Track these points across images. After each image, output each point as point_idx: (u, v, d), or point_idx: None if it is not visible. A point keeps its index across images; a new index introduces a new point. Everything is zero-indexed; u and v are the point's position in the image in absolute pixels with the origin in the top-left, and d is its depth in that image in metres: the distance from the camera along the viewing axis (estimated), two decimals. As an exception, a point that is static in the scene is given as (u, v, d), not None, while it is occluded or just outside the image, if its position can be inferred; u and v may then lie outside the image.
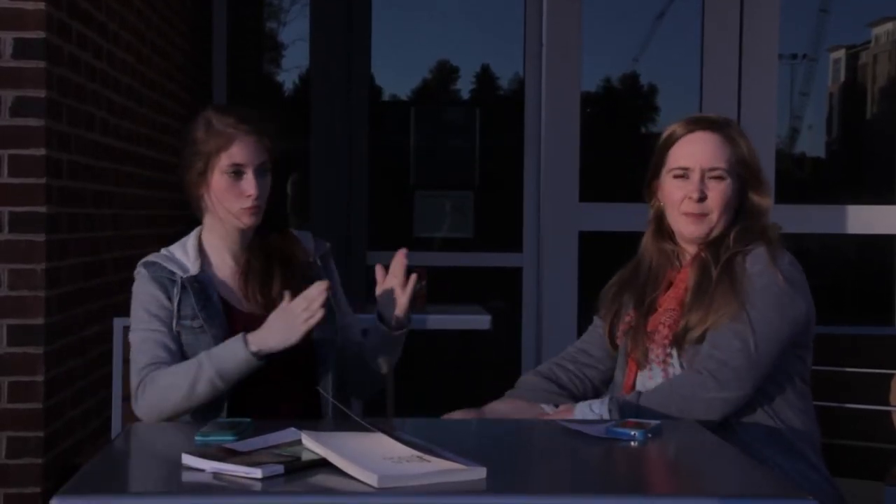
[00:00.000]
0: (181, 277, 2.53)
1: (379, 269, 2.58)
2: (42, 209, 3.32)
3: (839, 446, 2.79)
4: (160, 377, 2.45)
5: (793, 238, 2.62)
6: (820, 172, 6.31)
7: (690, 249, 2.61)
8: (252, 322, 2.50)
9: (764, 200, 2.59)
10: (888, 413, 2.87)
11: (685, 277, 2.56)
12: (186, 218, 4.88)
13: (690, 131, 2.60)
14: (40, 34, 3.29)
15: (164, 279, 2.54)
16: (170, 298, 2.52)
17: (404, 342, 2.65)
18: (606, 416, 2.40)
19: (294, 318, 2.39)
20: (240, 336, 2.42)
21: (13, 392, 3.32)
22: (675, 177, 2.58)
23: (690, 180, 2.55)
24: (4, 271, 3.31)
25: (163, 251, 2.61)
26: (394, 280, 2.55)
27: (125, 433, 2.30)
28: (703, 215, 2.54)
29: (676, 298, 2.54)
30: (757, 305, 2.43)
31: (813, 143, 6.41)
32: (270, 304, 2.53)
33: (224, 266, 2.62)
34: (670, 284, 2.60)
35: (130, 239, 4.29)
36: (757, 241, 2.52)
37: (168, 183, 4.91)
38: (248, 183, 2.53)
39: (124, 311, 2.63)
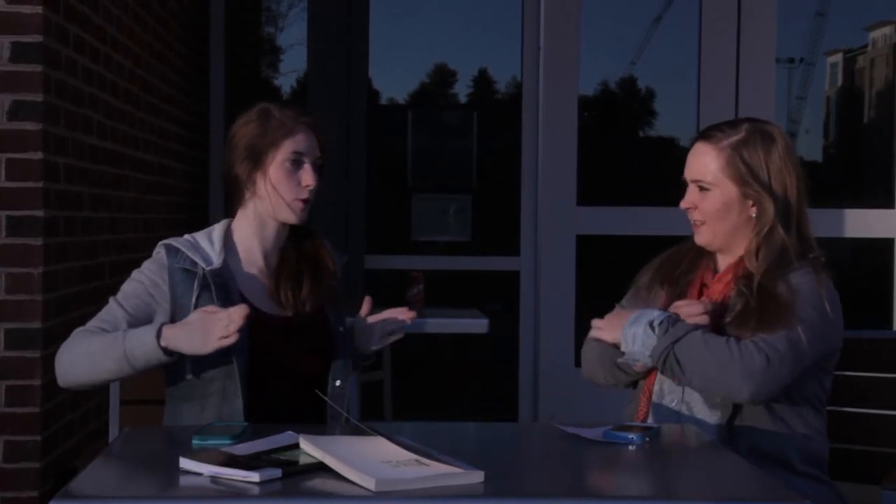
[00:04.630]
0: (203, 270, 2.50)
1: (367, 304, 2.62)
2: (39, 213, 3.31)
3: (836, 449, 2.79)
4: (81, 338, 2.43)
5: (816, 249, 2.62)
6: (817, 176, 6.32)
7: (722, 260, 2.62)
8: (270, 322, 2.52)
9: (766, 212, 2.54)
10: (886, 416, 2.87)
11: (722, 291, 2.56)
12: (185, 221, 4.89)
13: (694, 142, 2.63)
14: (38, 38, 3.29)
15: (179, 271, 2.50)
16: (174, 290, 2.48)
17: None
18: (656, 324, 2.42)
19: (212, 330, 2.30)
20: (157, 324, 2.38)
21: (10, 396, 3.32)
22: (684, 187, 2.64)
23: (687, 191, 2.62)
24: (2, 275, 3.31)
25: (187, 237, 2.57)
26: (384, 326, 2.61)
27: (123, 437, 2.30)
28: (700, 223, 2.59)
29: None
30: (804, 317, 2.43)
31: (810, 147, 6.42)
32: (300, 307, 2.56)
33: (251, 262, 2.60)
34: (702, 285, 2.61)
35: (128, 242, 4.29)
36: (800, 262, 2.52)
37: (166, 186, 4.91)
38: (307, 173, 2.55)
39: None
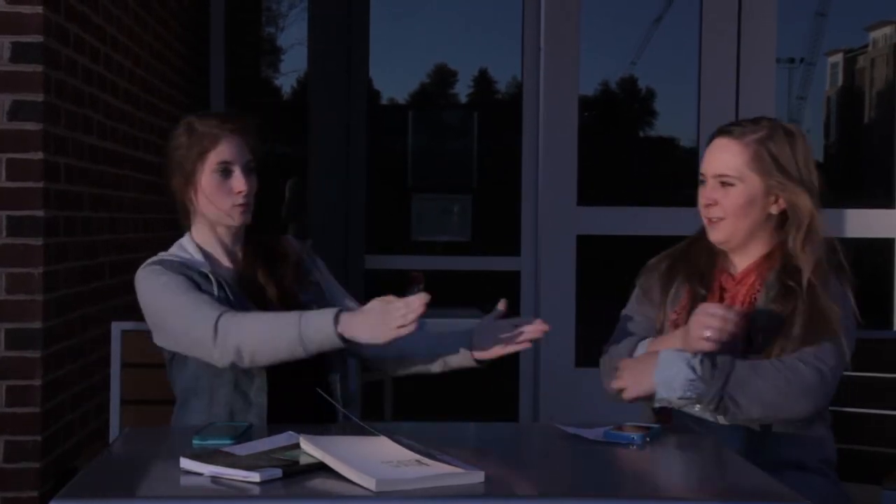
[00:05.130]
0: (198, 270, 2.53)
1: (501, 311, 2.58)
2: (40, 213, 3.31)
3: (837, 449, 2.78)
4: (244, 317, 2.41)
5: (839, 253, 2.61)
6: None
7: (740, 260, 2.57)
8: None
9: (800, 203, 2.54)
10: (886, 416, 2.87)
11: (746, 294, 2.52)
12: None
13: (715, 138, 2.57)
14: (38, 38, 3.29)
15: (182, 268, 2.53)
16: (198, 284, 2.50)
17: None
18: (696, 365, 2.32)
19: (390, 319, 2.31)
20: (334, 310, 2.37)
21: (11, 396, 3.32)
22: (700, 182, 2.59)
23: (705, 186, 2.56)
24: (2, 275, 3.31)
25: (162, 255, 2.60)
26: (513, 334, 2.54)
27: (123, 437, 2.30)
28: (718, 220, 2.53)
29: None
30: (846, 325, 2.42)
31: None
32: (269, 305, 2.55)
33: (222, 266, 2.63)
34: (722, 289, 2.55)
35: (128, 242, 4.29)
36: (828, 258, 2.50)
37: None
38: (237, 180, 2.56)
39: (122, 314, 2.63)
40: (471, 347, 2.58)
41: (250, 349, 2.39)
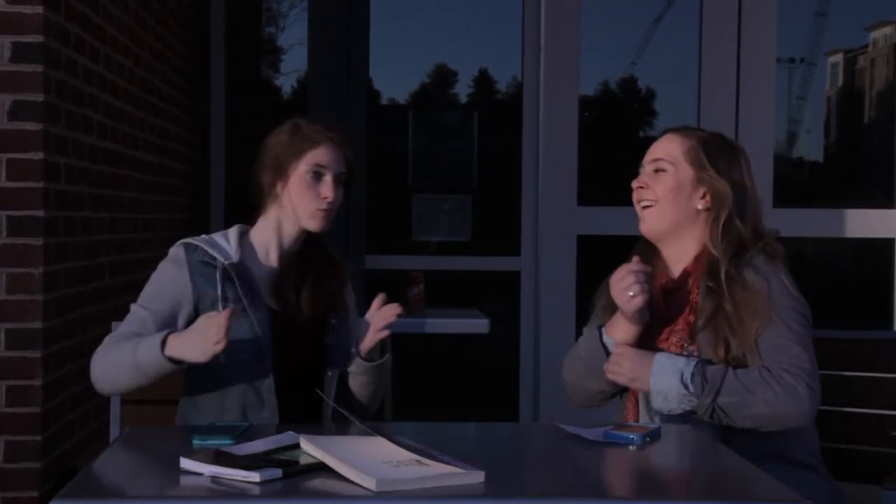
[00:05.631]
0: (222, 263, 2.56)
1: (378, 300, 2.61)
2: (40, 213, 3.31)
3: (837, 450, 2.79)
4: (110, 347, 2.50)
5: (791, 242, 2.62)
6: (818, 176, 6.32)
7: (675, 264, 2.60)
8: (276, 319, 2.57)
9: (719, 191, 2.55)
10: (886, 417, 2.87)
11: (684, 295, 2.54)
12: (184, 221, 4.89)
13: (661, 134, 2.66)
14: (38, 38, 3.29)
15: (199, 264, 2.56)
16: (195, 284, 2.54)
17: (388, 374, 2.72)
18: (688, 377, 2.37)
19: (208, 337, 2.34)
20: (163, 334, 2.42)
21: (11, 396, 3.32)
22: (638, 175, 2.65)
23: (642, 172, 2.63)
24: (2, 275, 3.31)
25: (204, 236, 2.64)
26: (375, 322, 2.59)
27: (123, 437, 2.30)
28: (647, 207, 2.58)
29: (683, 319, 2.52)
30: (788, 312, 2.43)
31: (811, 147, 6.42)
32: (298, 310, 2.61)
33: (266, 262, 2.66)
34: (662, 293, 2.58)
35: (128, 242, 4.29)
36: (748, 249, 2.51)
37: (166, 186, 4.91)
38: (327, 186, 2.61)
39: (122, 314, 2.63)
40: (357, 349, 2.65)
41: (101, 379, 2.49)
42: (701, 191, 2.56)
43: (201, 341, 2.35)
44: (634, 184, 2.62)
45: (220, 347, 2.33)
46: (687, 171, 2.57)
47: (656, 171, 2.59)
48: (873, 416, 2.88)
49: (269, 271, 2.65)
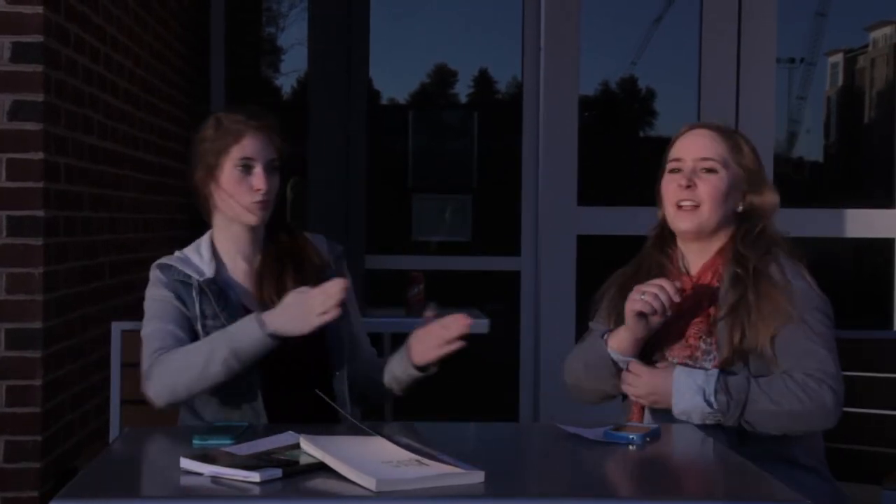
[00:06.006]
0: (198, 281, 2.52)
1: (430, 317, 2.57)
2: (40, 213, 3.31)
3: (837, 449, 2.79)
4: (172, 357, 2.42)
5: (791, 241, 2.62)
6: (818, 176, 6.32)
7: (697, 258, 2.57)
8: None
9: (766, 201, 2.56)
10: (886, 416, 2.87)
11: (706, 289, 2.51)
12: (184, 221, 4.89)
13: (690, 129, 2.59)
14: (38, 38, 3.29)
15: (178, 284, 2.53)
16: (183, 301, 2.51)
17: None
18: (711, 395, 2.34)
19: (310, 308, 2.34)
20: (254, 316, 2.39)
21: (11, 396, 3.32)
22: (671, 171, 2.57)
23: (682, 172, 2.53)
24: (2, 275, 3.31)
25: (177, 254, 2.60)
26: (443, 334, 2.53)
27: (123, 437, 2.30)
28: (693, 207, 2.50)
29: (704, 312, 2.49)
30: (813, 313, 2.42)
31: (811, 147, 6.42)
32: None
33: (237, 269, 2.61)
34: (682, 291, 2.53)
35: (128, 242, 4.29)
36: (774, 249, 2.50)
37: (166, 186, 4.91)
38: (258, 177, 2.54)
39: (122, 314, 2.63)
40: (410, 356, 2.57)
41: (184, 385, 2.40)
42: (742, 193, 2.53)
43: (303, 314, 2.34)
44: (679, 182, 2.51)
45: (328, 318, 2.33)
46: (737, 174, 2.52)
47: (707, 171, 2.51)
48: (873, 416, 2.88)
49: (244, 276, 2.60)
